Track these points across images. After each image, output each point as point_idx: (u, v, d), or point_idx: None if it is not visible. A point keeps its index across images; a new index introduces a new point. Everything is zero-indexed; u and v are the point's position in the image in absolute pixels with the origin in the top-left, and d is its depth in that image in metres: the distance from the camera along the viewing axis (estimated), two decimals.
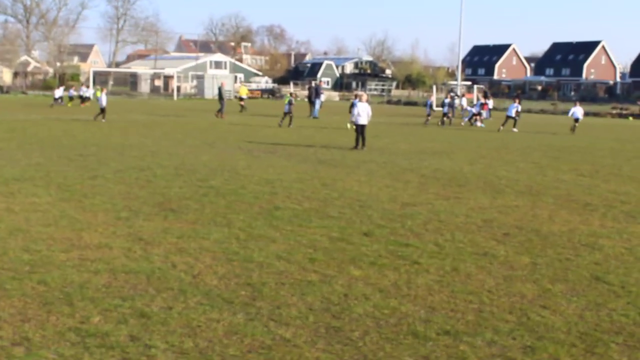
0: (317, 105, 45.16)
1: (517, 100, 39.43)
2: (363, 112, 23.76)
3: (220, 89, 43.90)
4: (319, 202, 12.69)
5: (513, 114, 37.87)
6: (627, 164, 21.46)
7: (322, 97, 49.04)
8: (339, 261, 8.54)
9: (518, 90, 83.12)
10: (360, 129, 23.69)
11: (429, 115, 42.38)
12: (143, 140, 24.57)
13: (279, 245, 9.27)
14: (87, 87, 58.77)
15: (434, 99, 47.37)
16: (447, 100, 43.43)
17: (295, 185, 14.67)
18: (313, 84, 52.98)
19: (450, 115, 42.07)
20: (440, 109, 44.57)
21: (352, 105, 33.74)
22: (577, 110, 39.80)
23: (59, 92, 53.99)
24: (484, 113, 44.65)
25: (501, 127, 36.81)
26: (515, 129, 36.30)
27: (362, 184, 15.14)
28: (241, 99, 53.83)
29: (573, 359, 5.79)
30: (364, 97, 25.42)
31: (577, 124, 38.47)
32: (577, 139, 32.59)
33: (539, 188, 15.38)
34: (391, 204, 12.76)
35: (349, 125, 28.70)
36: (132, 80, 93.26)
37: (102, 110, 36.43)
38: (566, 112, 63.55)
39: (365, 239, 9.77)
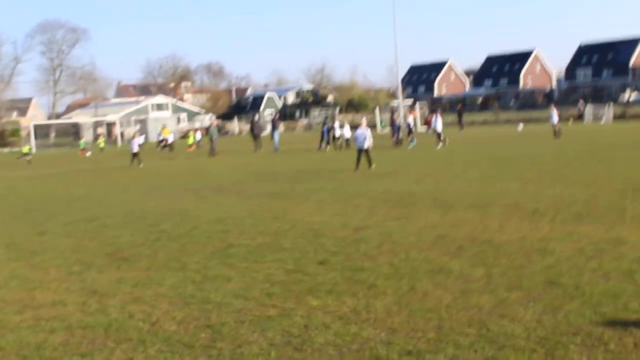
0: (277, 137, 45.81)
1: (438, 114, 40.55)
2: (363, 136, 25.47)
3: (210, 129, 44.84)
4: (271, 235, 12.66)
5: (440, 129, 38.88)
6: (569, 167, 21.90)
7: (280, 129, 50.29)
8: (297, 293, 8.54)
9: (459, 105, 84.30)
10: (361, 152, 25.45)
11: (409, 134, 41.42)
12: (89, 191, 24.29)
13: (235, 283, 9.23)
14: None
15: (410, 119, 46.84)
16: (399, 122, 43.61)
17: (247, 220, 14.64)
18: (268, 117, 54.21)
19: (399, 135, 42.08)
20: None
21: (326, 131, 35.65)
22: (554, 114, 40.66)
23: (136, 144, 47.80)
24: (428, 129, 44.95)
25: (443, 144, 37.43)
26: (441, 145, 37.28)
27: (313, 213, 15.17)
28: (162, 140, 54.52)
29: None
30: (364, 123, 26.91)
31: (557, 128, 39.40)
32: (520, 147, 33.14)
33: (487, 199, 15.58)
34: (343, 230, 12.79)
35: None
36: (74, 131, 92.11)
37: (135, 155, 37.30)
38: (509, 122, 64.89)
39: (321, 268, 9.79)
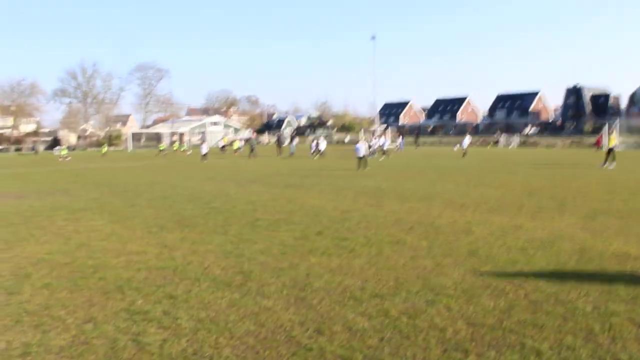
0: (293, 147, 47.00)
1: (384, 136, 41.30)
2: (362, 148, 27.22)
3: (250, 139, 45.48)
4: (286, 213, 12.64)
5: (385, 147, 40.29)
6: (487, 176, 21.84)
7: (295, 141, 52.83)
8: (301, 253, 8.54)
9: (416, 131, 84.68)
10: (361, 158, 26.98)
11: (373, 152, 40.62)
12: (165, 178, 24.27)
13: (260, 244, 9.23)
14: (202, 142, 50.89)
15: (380, 140, 46.34)
16: (375, 141, 43.47)
17: (270, 203, 14.61)
18: (289, 132, 55.54)
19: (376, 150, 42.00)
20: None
21: (313, 141, 35.86)
22: (466, 140, 40.37)
23: (205, 148, 40.66)
24: (398, 146, 44.89)
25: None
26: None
27: (315, 199, 15.12)
28: (223, 146, 55.42)
29: (459, 306, 5.89)
30: (362, 139, 28.66)
31: (465, 150, 39.16)
32: (456, 162, 33.08)
33: (431, 195, 15.55)
34: (334, 211, 12.77)
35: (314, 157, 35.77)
36: (157, 138, 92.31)
37: (204, 156, 38.30)
38: (450, 144, 64.68)
39: (318, 237, 9.77)
